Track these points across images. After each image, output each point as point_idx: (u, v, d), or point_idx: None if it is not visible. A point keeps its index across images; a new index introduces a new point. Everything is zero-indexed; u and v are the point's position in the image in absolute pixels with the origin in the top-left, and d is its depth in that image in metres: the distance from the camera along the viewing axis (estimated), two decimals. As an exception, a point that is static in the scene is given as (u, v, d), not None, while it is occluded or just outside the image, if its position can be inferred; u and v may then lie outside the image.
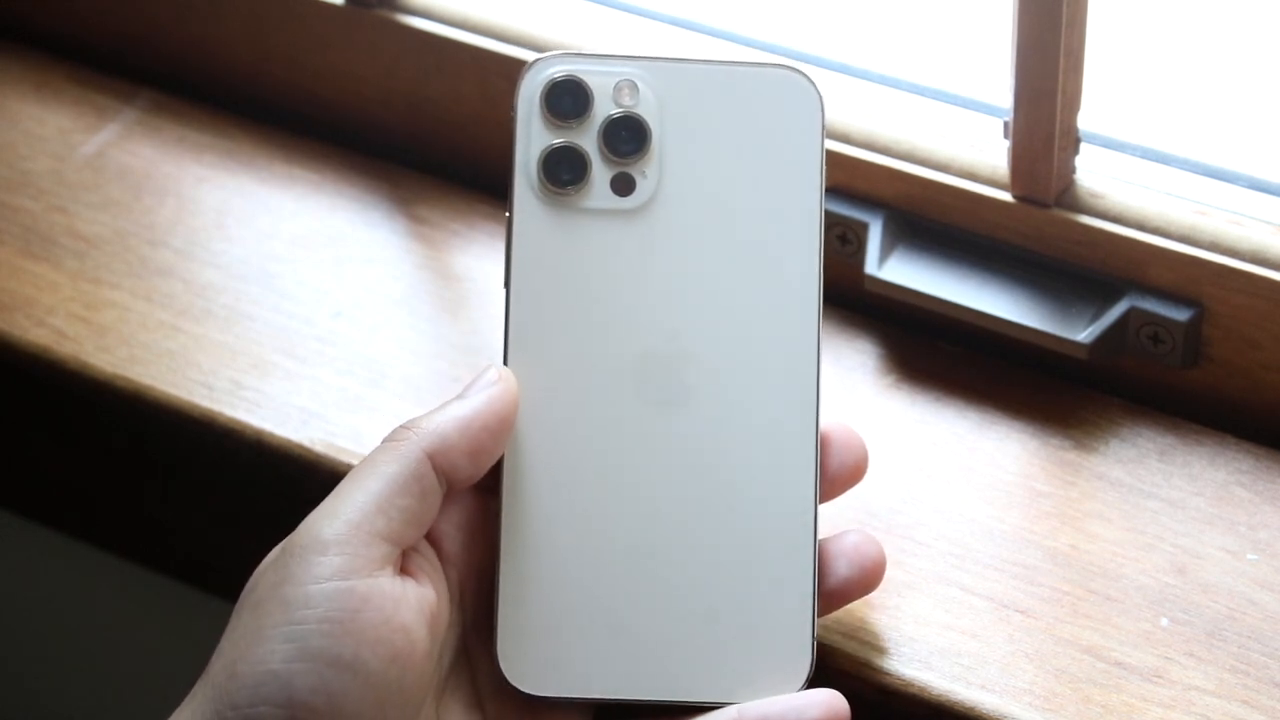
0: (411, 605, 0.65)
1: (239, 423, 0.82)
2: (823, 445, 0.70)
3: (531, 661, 0.68)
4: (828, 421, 0.70)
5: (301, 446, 0.80)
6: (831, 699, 0.67)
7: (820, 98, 0.70)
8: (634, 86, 0.70)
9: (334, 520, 0.65)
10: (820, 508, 0.69)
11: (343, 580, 0.64)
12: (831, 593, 0.69)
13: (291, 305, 0.86)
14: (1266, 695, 0.70)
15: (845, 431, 0.71)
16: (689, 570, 0.69)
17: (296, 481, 0.81)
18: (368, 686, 0.63)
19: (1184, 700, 0.70)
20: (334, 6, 0.92)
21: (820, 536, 0.69)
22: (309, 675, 0.62)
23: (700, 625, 0.68)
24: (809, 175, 0.70)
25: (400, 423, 0.68)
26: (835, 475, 0.70)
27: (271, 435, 0.81)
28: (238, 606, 0.65)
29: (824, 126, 0.70)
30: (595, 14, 0.89)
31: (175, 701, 0.65)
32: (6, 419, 0.91)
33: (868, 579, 0.70)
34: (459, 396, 0.68)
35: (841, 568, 0.69)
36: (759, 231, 0.70)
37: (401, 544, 0.66)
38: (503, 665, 0.68)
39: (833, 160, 0.83)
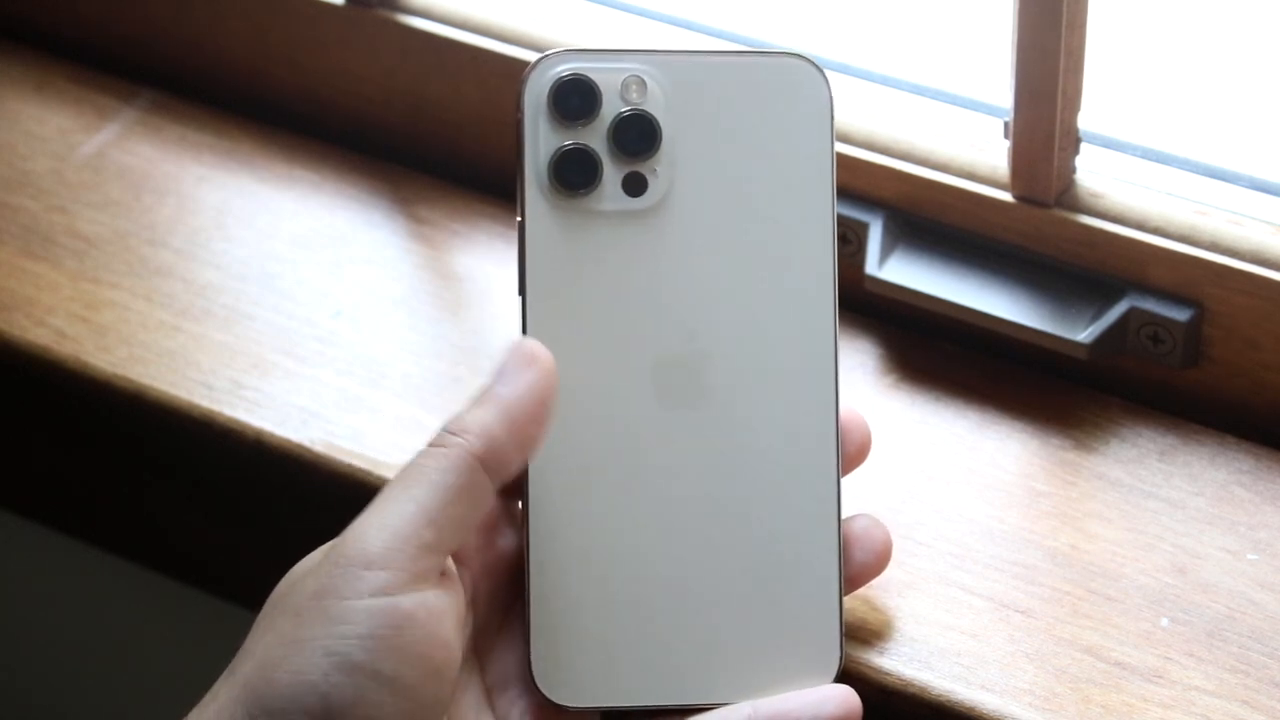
0: (452, 617, 0.64)
1: (239, 423, 0.82)
2: None
3: (567, 674, 0.67)
4: None
5: (301, 446, 0.80)
6: (846, 695, 0.67)
7: (827, 83, 0.69)
8: (641, 83, 0.68)
9: (382, 531, 0.63)
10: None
11: (387, 597, 0.62)
12: (847, 580, 0.70)
13: (291, 305, 0.86)
14: (1266, 695, 0.70)
15: (849, 413, 0.71)
16: (717, 572, 0.68)
17: (296, 481, 0.81)
18: (404, 700, 0.62)
19: (1184, 700, 0.70)
20: (334, 6, 0.92)
21: None
22: (348, 689, 0.61)
23: (731, 626, 0.68)
24: (820, 163, 0.69)
25: (441, 425, 0.66)
26: (845, 458, 0.70)
27: (271, 435, 0.81)
28: (270, 608, 0.64)
29: (833, 112, 0.69)
30: (595, 14, 0.89)
31: (175, 701, 0.65)
32: (6, 419, 0.91)
33: (880, 563, 0.70)
34: (496, 381, 0.66)
35: (856, 554, 0.70)
36: (772, 223, 0.69)
37: (447, 553, 0.65)
38: (539, 681, 0.67)
39: (833, 160, 0.83)
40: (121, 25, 0.99)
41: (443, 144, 0.92)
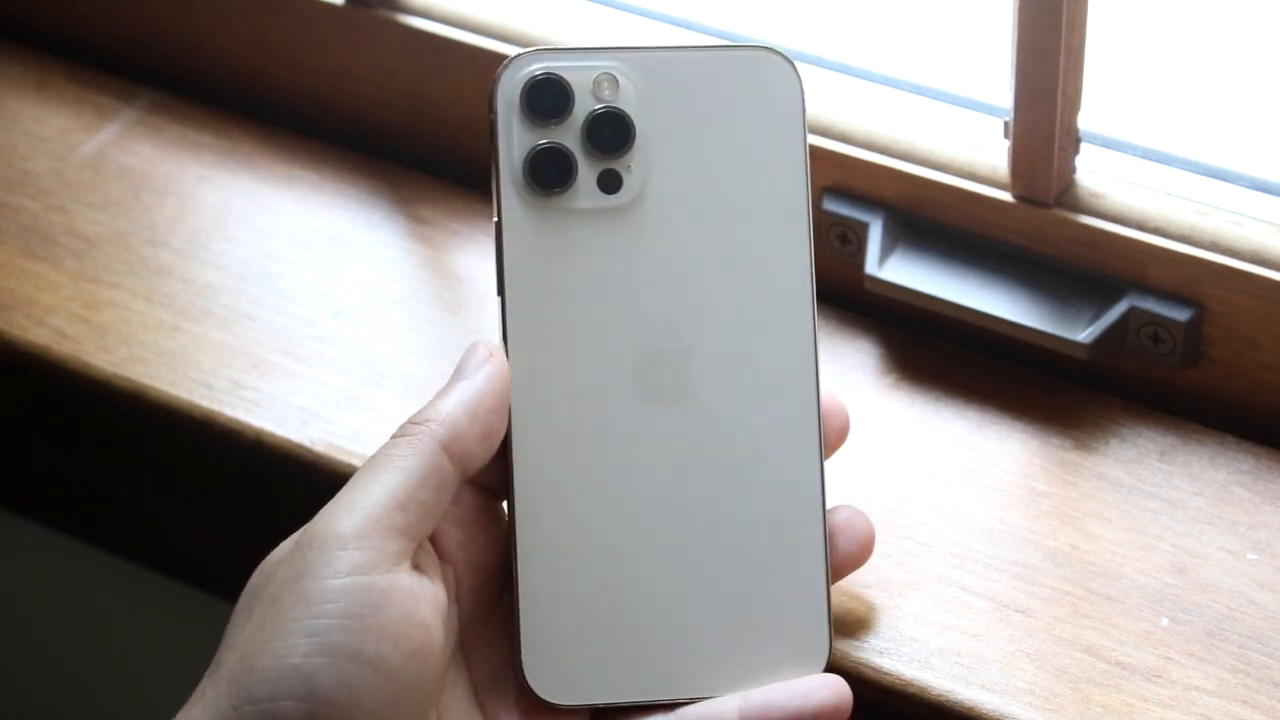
0: (429, 601, 0.65)
1: (239, 423, 0.82)
2: None
3: (557, 673, 0.67)
4: None
5: (301, 446, 0.80)
6: (836, 684, 0.67)
7: (798, 75, 0.69)
8: (613, 80, 0.69)
9: (351, 514, 0.65)
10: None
11: (362, 575, 0.63)
12: (833, 570, 0.70)
13: (291, 305, 0.87)
14: (1266, 695, 0.70)
15: (826, 399, 0.71)
16: (704, 566, 0.68)
17: (296, 481, 0.81)
18: (388, 682, 0.63)
19: (1184, 700, 0.70)
20: (334, 6, 0.92)
21: None
22: (330, 670, 0.62)
23: (719, 620, 0.68)
24: (793, 155, 0.69)
25: (405, 419, 0.68)
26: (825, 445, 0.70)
27: (271, 435, 0.81)
28: (247, 599, 0.65)
29: (804, 104, 0.69)
30: (594, 14, 0.89)
31: (175, 701, 0.65)
32: (6, 419, 0.91)
33: (863, 553, 0.71)
34: (458, 378, 0.68)
35: (840, 544, 0.70)
36: (748, 216, 0.69)
37: (418, 539, 0.66)
38: (529, 680, 0.67)
39: (833, 160, 0.83)
40: (121, 25, 0.99)
41: (443, 144, 0.92)
